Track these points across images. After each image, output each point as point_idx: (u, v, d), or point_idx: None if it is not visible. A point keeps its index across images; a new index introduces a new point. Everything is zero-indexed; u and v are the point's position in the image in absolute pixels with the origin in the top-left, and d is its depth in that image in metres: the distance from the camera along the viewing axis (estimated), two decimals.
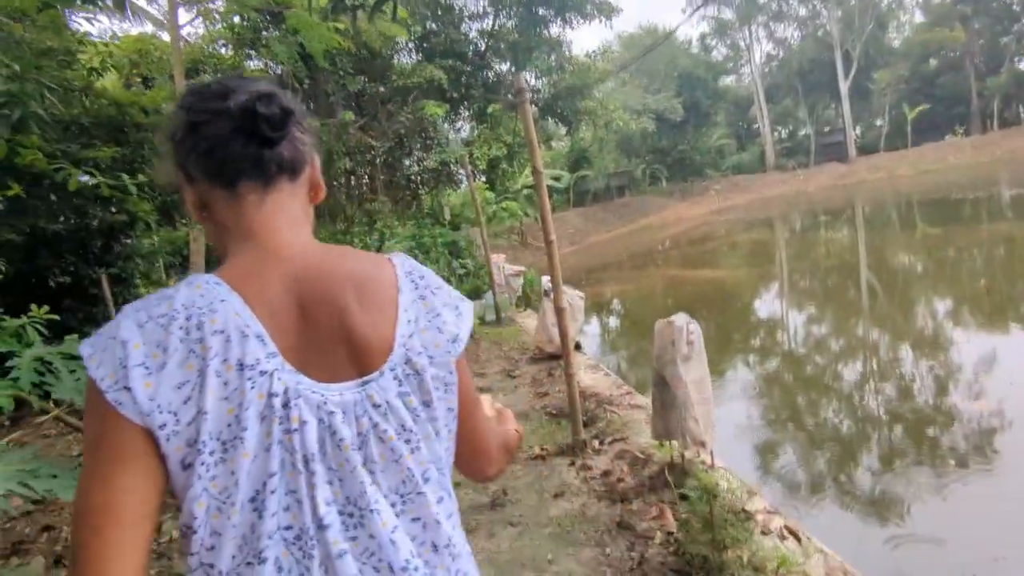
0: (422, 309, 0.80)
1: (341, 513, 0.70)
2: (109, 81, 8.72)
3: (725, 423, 4.86)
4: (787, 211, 32.04)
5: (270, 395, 0.68)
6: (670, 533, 2.57)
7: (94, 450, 0.66)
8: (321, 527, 0.68)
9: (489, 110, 17.47)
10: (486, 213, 15.13)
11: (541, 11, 19.38)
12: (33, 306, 3.49)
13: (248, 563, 0.67)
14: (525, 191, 31.88)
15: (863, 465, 4.54)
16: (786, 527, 2.53)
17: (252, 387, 0.68)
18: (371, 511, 0.70)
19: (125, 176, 3.68)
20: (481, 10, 20.82)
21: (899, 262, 14.50)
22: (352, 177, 17.67)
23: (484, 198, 14.29)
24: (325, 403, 0.71)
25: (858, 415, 5.71)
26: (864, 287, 12.08)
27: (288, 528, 0.69)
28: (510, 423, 1.02)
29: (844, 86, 42.69)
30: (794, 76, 46.25)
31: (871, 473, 4.37)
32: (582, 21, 18.39)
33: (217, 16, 17.26)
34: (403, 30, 13.27)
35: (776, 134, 50.99)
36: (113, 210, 7.27)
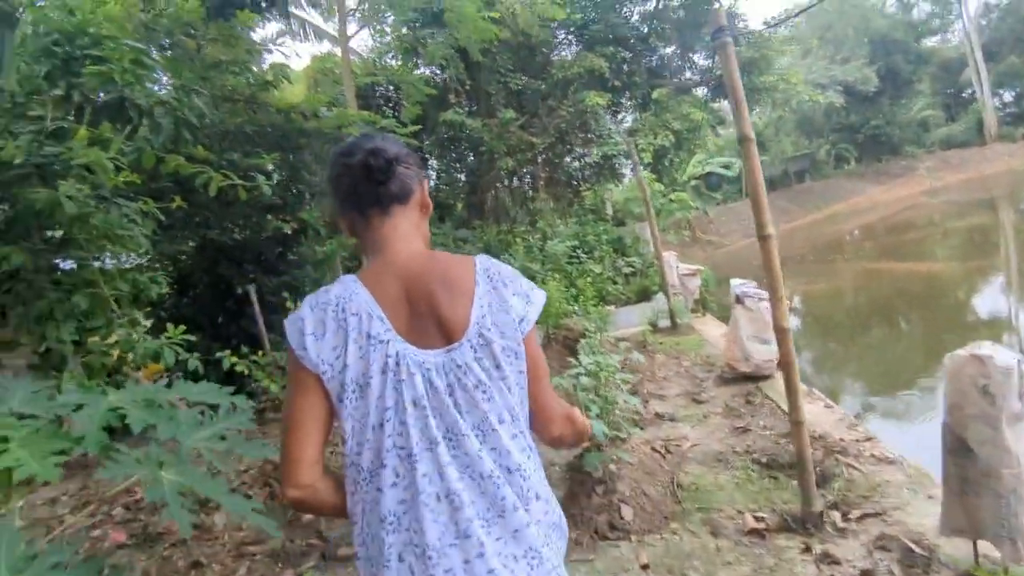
0: (494, 297, 1.12)
1: (446, 438, 1.05)
2: (291, 93, 8.92)
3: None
4: (1018, 190, 26.64)
5: (386, 356, 1.06)
6: None
7: (290, 384, 1.11)
8: (432, 447, 1.04)
9: (655, 96, 16.26)
10: (652, 206, 14.03)
11: None
12: (169, 326, 3.31)
13: (380, 467, 1.05)
14: (692, 182, 29.91)
15: None
16: None
17: (374, 350, 1.06)
18: (463, 436, 1.05)
19: (261, 177, 3.38)
20: None
21: None
22: (514, 177, 17.45)
23: (652, 190, 13.21)
24: (423, 363, 1.07)
25: None
26: None
27: (401, 448, 1.05)
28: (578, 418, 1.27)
29: None
30: (1021, 26, 38.50)
31: None
32: None
33: (387, 29, 18.05)
34: (560, 10, 12.57)
35: (997, 99, 42.84)
36: (284, 218, 7.46)
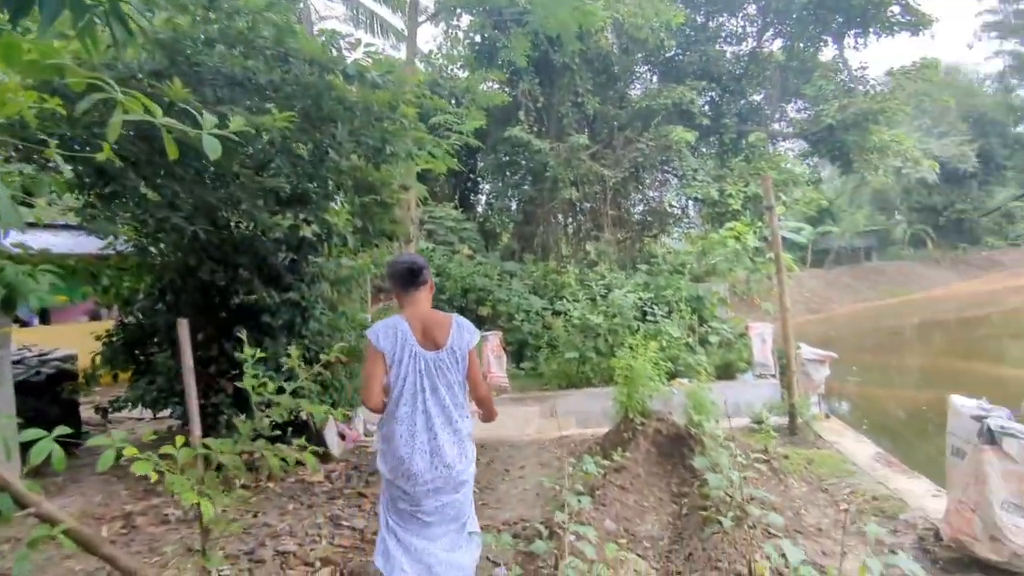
0: (458, 333, 2.58)
1: (431, 388, 2.52)
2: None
3: None
4: None
5: (412, 350, 2.52)
6: None
7: (368, 359, 2.53)
8: (424, 393, 2.51)
9: (751, 139, 14.33)
10: (736, 263, 11.92)
11: (821, 27, 15.86)
12: None
13: (401, 396, 2.51)
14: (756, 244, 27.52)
15: None
16: None
17: (406, 347, 2.52)
18: (438, 388, 2.53)
19: (208, 120, 1.54)
20: (741, 31, 17.90)
21: None
22: (575, 211, 15.62)
23: (742, 244, 11.17)
24: (426, 356, 2.53)
25: None
26: None
27: (411, 390, 2.51)
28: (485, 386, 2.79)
29: None
30: None
31: None
32: (880, 36, 14.51)
33: (459, 34, 16.58)
34: (680, 15, 10.80)
35: None
36: (306, 217, 5.66)
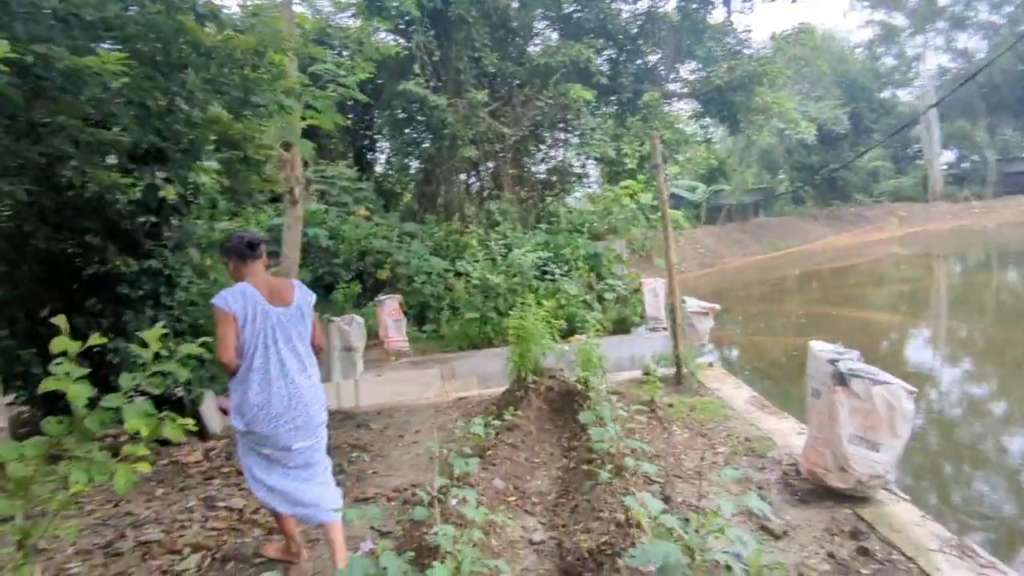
0: (302, 294, 3.00)
1: (285, 340, 2.87)
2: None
3: None
4: (965, 249, 26.85)
5: (262, 309, 2.83)
6: None
7: (222, 323, 2.76)
8: (276, 345, 2.84)
9: (645, 98, 14.58)
10: (634, 221, 12.24)
11: None
12: None
13: (255, 351, 2.81)
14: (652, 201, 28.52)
15: None
16: None
17: (258, 307, 2.82)
18: (290, 339, 2.90)
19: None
20: None
21: None
22: (476, 169, 15.37)
23: (641, 203, 11.45)
24: (276, 312, 2.87)
25: None
26: None
27: (265, 344, 2.83)
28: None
29: None
30: (975, 93, 39.44)
31: None
32: (764, 0, 15.08)
33: None
34: None
35: (941, 158, 43.93)
36: (168, 176, 5.14)
